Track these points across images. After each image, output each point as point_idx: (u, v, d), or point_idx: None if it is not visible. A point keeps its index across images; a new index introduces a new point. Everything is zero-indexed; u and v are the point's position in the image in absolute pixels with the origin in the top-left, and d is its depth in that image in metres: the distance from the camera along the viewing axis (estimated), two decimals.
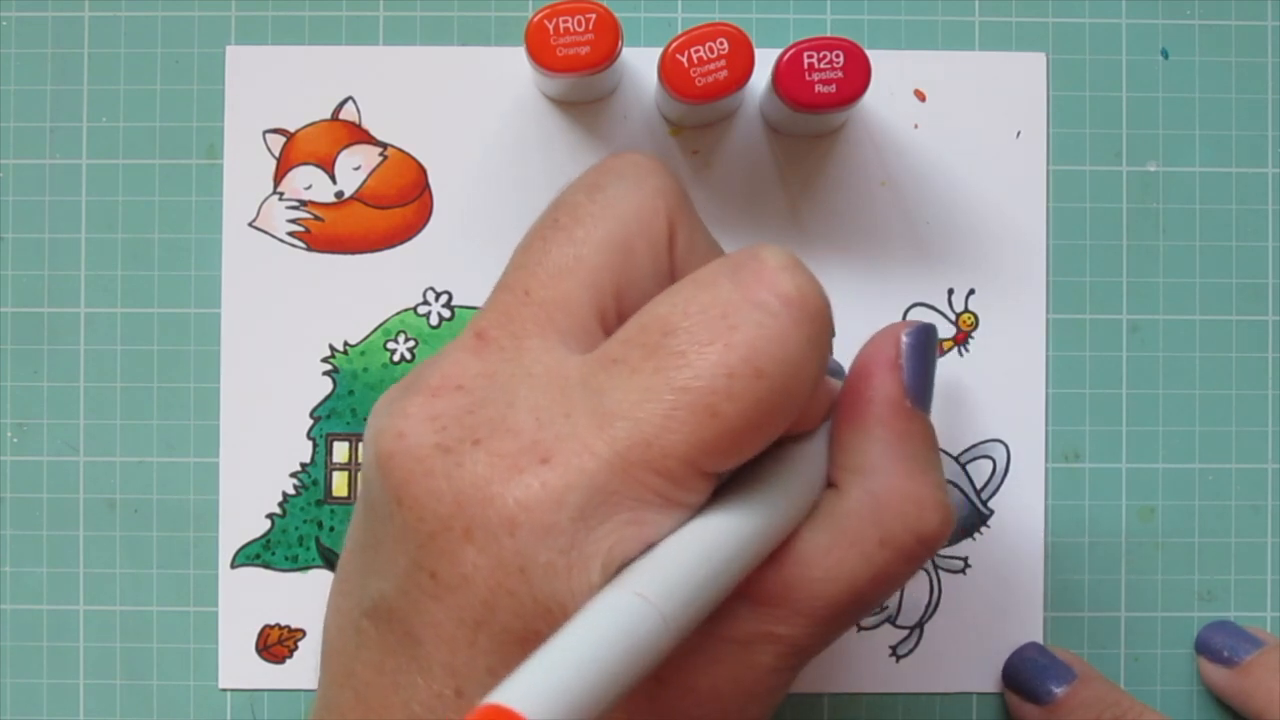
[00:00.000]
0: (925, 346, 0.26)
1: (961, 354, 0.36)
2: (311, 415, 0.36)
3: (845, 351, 0.36)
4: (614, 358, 0.22)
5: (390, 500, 0.22)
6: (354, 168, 0.36)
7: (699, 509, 0.23)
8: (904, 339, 0.26)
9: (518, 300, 0.24)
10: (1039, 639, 0.36)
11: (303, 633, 0.36)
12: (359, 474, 0.25)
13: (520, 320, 0.23)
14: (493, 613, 0.21)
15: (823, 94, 0.32)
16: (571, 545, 0.21)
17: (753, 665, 0.24)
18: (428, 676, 0.22)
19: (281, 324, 0.36)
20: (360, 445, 0.36)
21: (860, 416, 0.25)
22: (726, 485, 0.23)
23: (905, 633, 0.36)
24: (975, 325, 0.36)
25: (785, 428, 0.23)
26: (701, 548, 0.22)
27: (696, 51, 0.32)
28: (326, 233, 0.36)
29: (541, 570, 0.21)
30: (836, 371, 0.27)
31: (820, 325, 0.22)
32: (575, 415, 0.22)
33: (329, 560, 0.36)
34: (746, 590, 0.23)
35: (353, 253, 0.36)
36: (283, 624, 0.36)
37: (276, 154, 0.36)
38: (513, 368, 0.23)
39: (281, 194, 0.36)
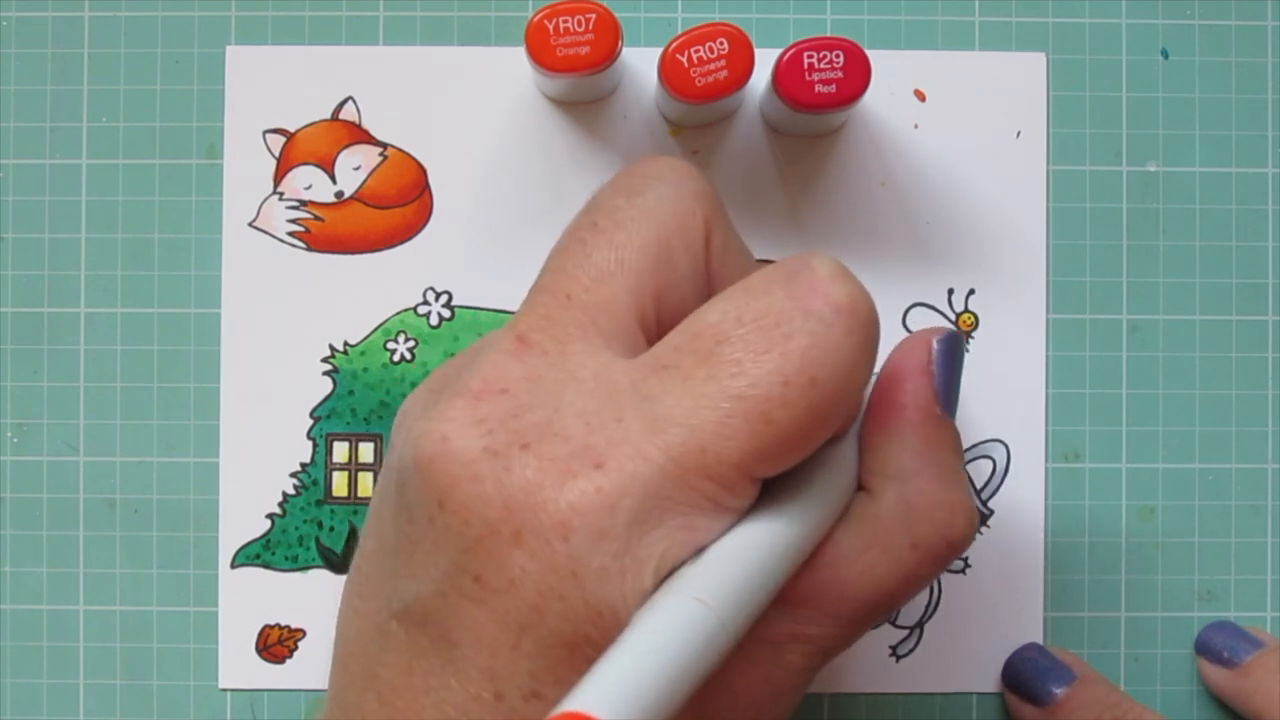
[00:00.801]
0: (955, 354, 0.26)
1: None
2: (311, 415, 0.36)
3: None
4: (665, 364, 0.22)
5: (431, 503, 0.22)
6: (354, 168, 0.36)
7: (745, 513, 0.23)
8: (935, 345, 0.26)
9: (559, 304, 0.24)
10: (1039, 639, 0.36)
11: (303, 633, 0.36)
12: (384, 475, 0.25)
13: (562, 324, 0.23)
14: (541, 617, 0.21)
15: (823, 94, 0.32)
16: (625, 550, 0.21)
17: (783, 665, 0.24)
18: (463, 679, 0.22)
19: (281, 324, 0.36)
20: (360, 445, 0.36)
21: (893, 422, 0.25)
22: (766, 486, 0.24)
23: (905, 633, 0.36)
24: (975, 325, 0.36)
25: (833, 432, 0.23)
26: (752, 552, 0.22)
27: (696, 51, 0.32)
28: (326, 233, 0.36)
29: (595, 575, 0.21)
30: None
31: (870, 333, 0.23)
32: (627, 420, 0.22)
33: (329, 560, 0.36)
34: (780, 592, 0.23)
35: (353, 253, 0.36)
36: (283, 624, 0.36)
37: (276, 154, 0.36)
38: (557, 372, 0.23)
39: (281, 194, 0.36)
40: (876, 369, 0.26)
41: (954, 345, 0.26)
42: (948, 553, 0.25)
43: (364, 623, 0.24)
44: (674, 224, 0.24)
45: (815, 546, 0.24)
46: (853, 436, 0.26)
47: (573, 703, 0.18)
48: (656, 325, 0.24)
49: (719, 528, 0.22)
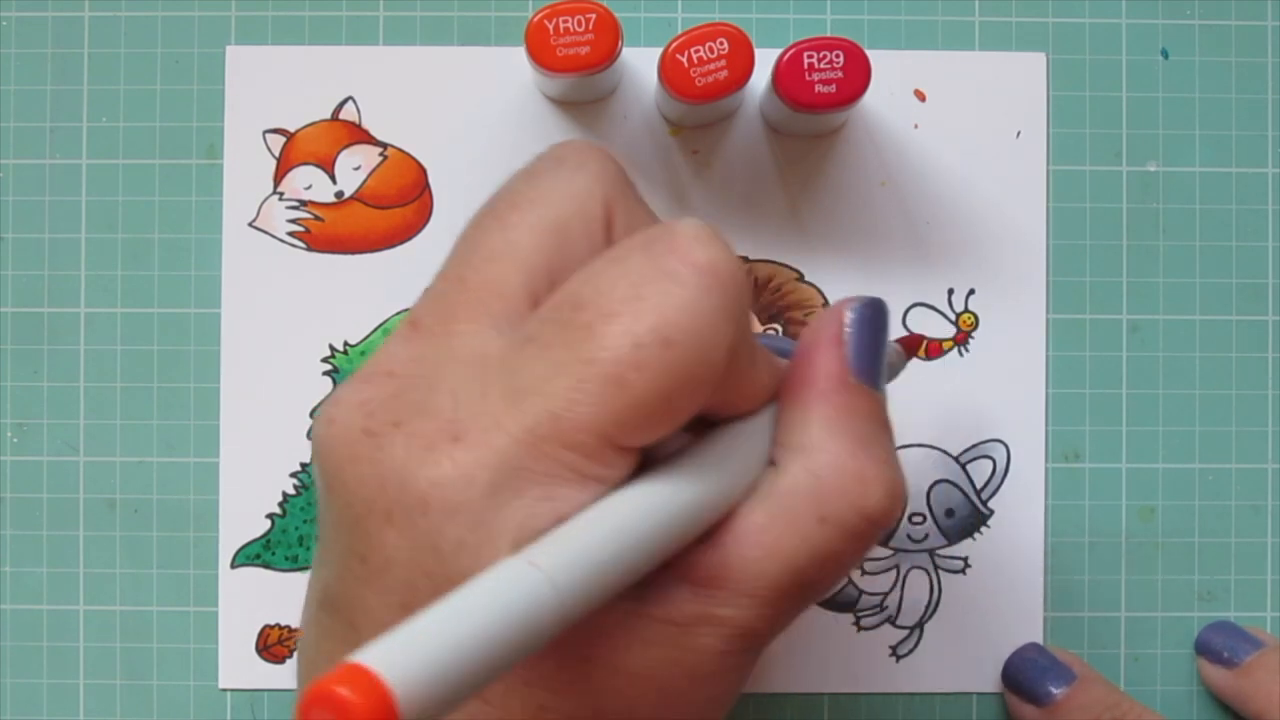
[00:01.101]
0: (872, 321, 0.25)
1: (961, 354, 0.36)
2: (311, 415, 0.36)
3: None
4: (529, 336, 0.22)
5: (324, 486, 0.23)
6: (354, 168, 0.36)
7: (620, 484, 0.22)
8: (848, 314, 0.25)
9: (452, 286, 0.24)
10: (1039, 639, 0.36)
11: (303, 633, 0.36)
12: None
13: (452, 306, 0.23)
14: (415, 594, 0.21)
15: (823, 94, 0.32)
16: (480, 522, 0.21)
17: (694, 648, 0.23)
18: None
19: (281, 324, 0.36)
20: None
21: (801, 393, 0.25)
22: (665, 462, 0.23)
23: (905, 633, 0.36)
24: (975, 325, 0.36)
25: (703, 399, 0.22)
26: (610, 519, 0.21)
27: (696, 51, 0.32)
28: (326, 233, 0.36)
29: (453, 548, 0.21)
30: (786, 352, 0.27)
31: (733, 293, 0.22)
32: (490, 394, 0.22)
33: None
34: (684, 572, 0.23)
35: (353, 253, 0.36)
36: (283, 624, 0.36)
37: (276, 154, 0.36)
38: (440, 353, 0.23)
39: (281, 194, 0.36)
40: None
41: (870, 312, 0.25)
42: (865, 527, 0.24)
43: (307, 615, 0.25)
44: (570, 205, 0.24)
45: (712, 523, 0.23)
46: (768, 414, 0.25)
47: (358, 655, 0.17)
48: None
49: (584, 498, 0.22)
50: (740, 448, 0.24)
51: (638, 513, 0.22)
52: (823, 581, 0.24)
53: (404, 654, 0.17)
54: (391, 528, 0.21)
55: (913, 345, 0.32)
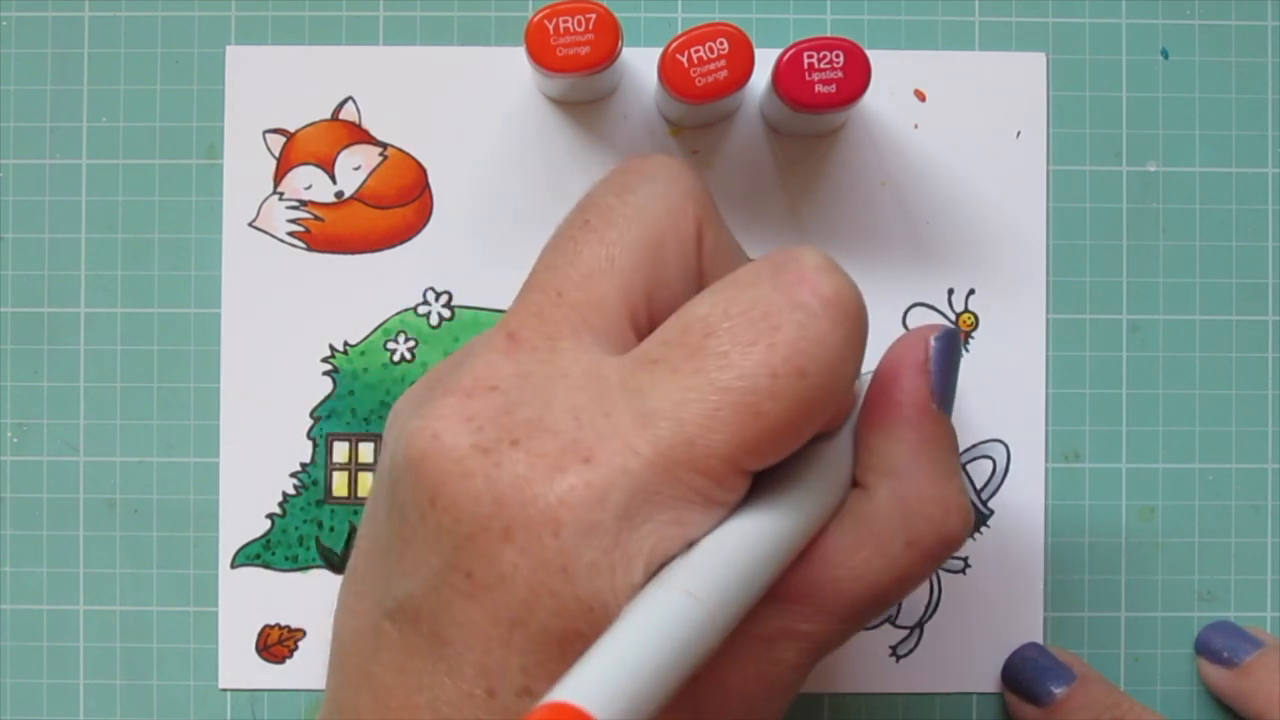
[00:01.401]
0: (952, 351, 0.26)
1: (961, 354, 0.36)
2: (311, 415, 0.36)
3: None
4: (654, 358, 0.22)
5: (423, 501, 0.22)
6: (354, 168, 0.36)
7: (736, 507, 0.23)
8: (933, 342, 0.26)
9: (550, 301, 0.24)
10: (1039, 639, 0.36)
11: (303, 633, 0.36)
12: (378, 474, 0.25)
13: (553, 321, 0.23)
14: (531, 612, 0.21)
15: (823, 94, 0.32)
16: (615, 544, 0.21)
17: (776, 661, 0.24)
18: (456, 677, 0.22)
19: (281, 324, 0.36)
20: (360, 445, 0.36)
21: (888, 418, 0.25)
22: (758, 482, 0.24)
23: (905, 633, 0.36)
24: (975, 325, 0.36)
25: (823, 424, 0.23)
26: (742, 545, 0.22)
27: (696, 51, 0.32)
28: (326, 233, 0.36)
29: (585, 569, 0.21)
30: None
31: (858, 324, 0.23)
32: (616, 415, 0.22)
33: (329, 560, 0.36)
34: (773, 588, 0.23)
35: (353, 253, 0.36)
36: (283, 624, 0.36)
37: (276, 154, 0.36)
38: (548, 368, 0.23)
39: (281, 194, 0.36)
40: (871, 365, 0.26)
41: (951, 342, 0.26)
42: (942, 551, 0.25)
43: (358, 622, 0.24)
44: (666, 221, 0.24)
45: (808, 542, 0.24)
46: (848, 433, 0.26)
47: (560, 693, 0.18)
48: (648, 322, 0.24)
49: (709, 522, 0.22)
50: (829, 467, 0.25)
51: (764, 537, 0.22)
52: (896, 599, 0.25)
53: (604, 689, 0.18)
54: (510, 545, 0.21)
55: None
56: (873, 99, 0.36)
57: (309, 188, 0.36)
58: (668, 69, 0.32)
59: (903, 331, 0.36)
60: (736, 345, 0.22)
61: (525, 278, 0.25)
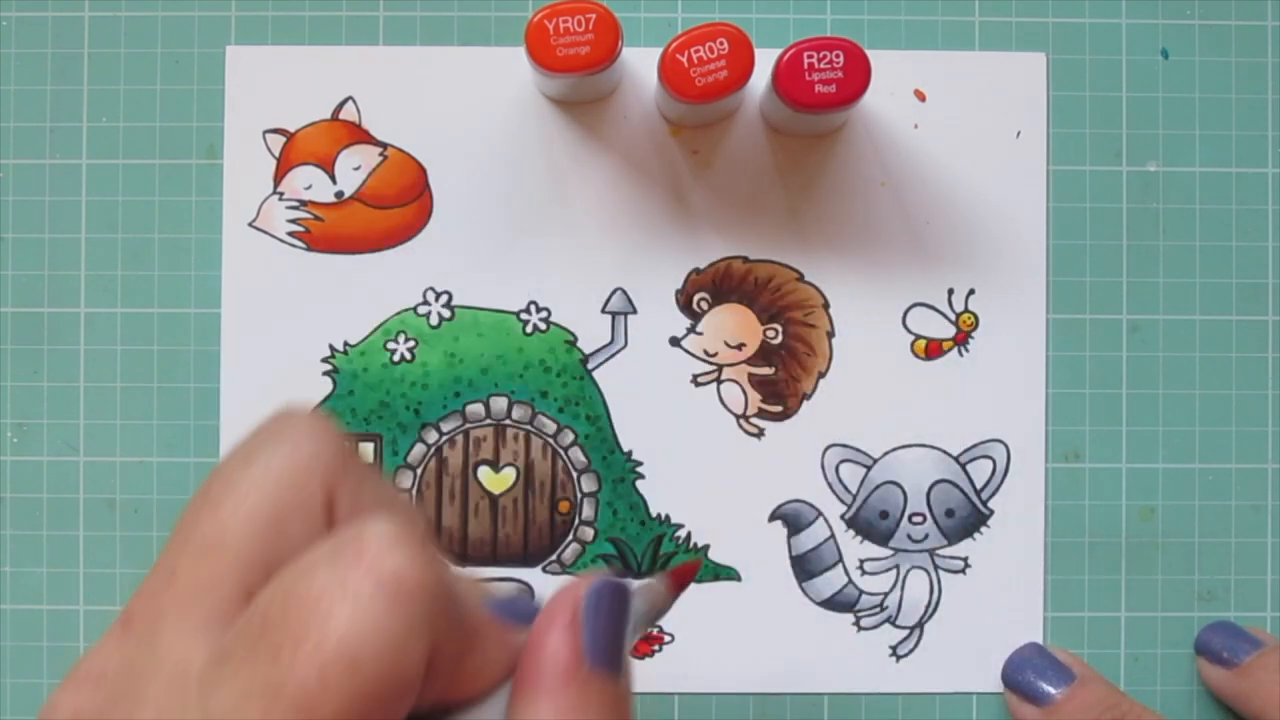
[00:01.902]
0: (613, 599, 0.24)
1: (961, 354, 0.36)
2: None
3: (849, 359, 0.36)
4: (226, 653, 0.22)
5: None
6: (354, 168, 0.36)
7: None
8: (583, 596, 0.24)
9: (163, 582, 0.23)
10: (1039, 639, 0.36)
11: None
12: None
13: (162, 604, 0.23)
14: None
15: (823, 94, 0.32)
16: None
17: None
18: None
19: (281, 324, 0.36)
20: (360, 445, 0.36)
21: (530, 686, 0.24)
22: None
23: (905, 633, 0.36)
24: (975, 325, 0.36)
25: (403, 711, 0.22)
26: None
27: (696, 51, 0.32)
28: (326, 233, 0.36)
29: None
30: (528, 614, 0.26)
31: (421, 604, 0.21)
32: (189, 716, 0.21)
33: None
34: None
35: (353, 253, 0.36)
36: None
37: (276, 154, 0.36)
38: (149, 658, 0.22)
39: (281, 194, 0.36)
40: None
41: (610, 591, 0.24)
42: None
43: None
44: (287, 491, 0.23)
45: None
46: (500, 696, 0.24)
47: None
48: None
49: None
50: None
51: None
52: None
53: None
54: None
55: (686, 575, 0.29)
56: (873, 99, 0.36)
57: (309, 188, 0.36)
58: (668, 69, 0.32)
59: (904, 334, 0.36)
60: (289, 639, 0.20)
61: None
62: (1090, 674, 0.35)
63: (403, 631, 0.21)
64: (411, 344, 0.36)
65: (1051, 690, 0.34)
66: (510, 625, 0.25)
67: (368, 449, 0.36)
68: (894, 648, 0.36)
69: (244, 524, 0.23)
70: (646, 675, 0.36)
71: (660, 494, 0.36)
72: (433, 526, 0.36)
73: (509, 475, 0.36)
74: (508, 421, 0.36)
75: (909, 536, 0.36)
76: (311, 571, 0.21)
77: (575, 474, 0.36)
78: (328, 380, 0.36)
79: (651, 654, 0.36)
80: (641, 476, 0.36)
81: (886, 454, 0.36)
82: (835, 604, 0.36)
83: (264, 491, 0.23)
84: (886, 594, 0.36)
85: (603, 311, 0.36)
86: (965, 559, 0.36)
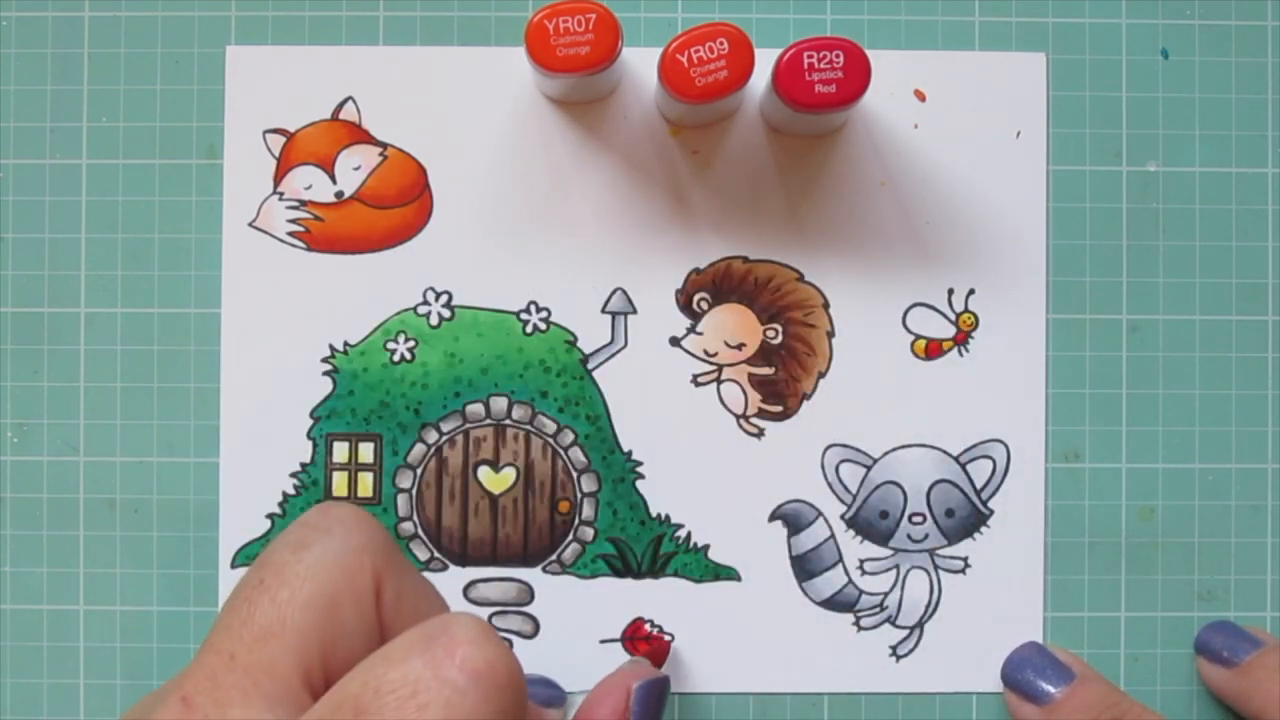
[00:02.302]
0: (658, 698, 0.27)
1: (961, 354, 0.36)
2: (311, 415, 0.36)
3: (849, 359, 0.36)
4: None
5: None
6: (354, 168, 0.36)
7: None
8: (634, 689, 0.26)
9: (223, 664, 0.24)
10: (1039, 639, 0.36)
11: None
12: None
13: (224, 686, 0.24)
14: None
15: (823, 94, 0.32)
16: None
17: None
18: None
19: (281, 324, 0.36)
20: (360, 445, 0.36)
21: None
22: None
23: (905, 633, 0.36)
24: (975, 325, 0.36)
25: None
26: None
27: (696, 51, 0.32)
28: (326, 233, 0.36)
29: None
30: (556, 700, 0.27)
31: (510, 697, 0.23)
32: None
33: None
34: None
35: (353, 253, 0.36)
36: None
37: (276, 154, 0.36)
38: None
39: (281, 194, 0.36)
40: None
41: (656, 690, 0.26)
42: None
43: None
44: (340, 579, 0.25)
45: None
46: None
47: None
48: (325, 682, 0.24)
49: None
50: None
51: None
52: None
53: None
54: None
55: (659, 658, 0.34)
56: (873, 99, 0.36)
57: (309, 188, 0.36)
58: (668, 69, 0.32)
59: (904, 334, 0.36)
60: None
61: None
62: (1090, 673, 0.35)
63: (494, 719, 0.22)
64: (411, 344, 0.36)
65: (1051, 689, 0.34)
66: (540, 705, 0.26)
67: (368, 449, 0.36)
68: (894, 648, 0.36)
69: (301, 611, 0.24)
70: None
71: (660, 494, 0.36)
72: (433, 527, 0.36)
73: (509, 475, 0.36)
74: (508, 421, 0.36)
75: (909, 536, 0.36)
76: (404, 659, 0.22)
77: (575, 474, 0.36)
78: (328, 380, 0.36)
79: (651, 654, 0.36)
80: (641, 476, 0.36)
81: (886, 454, 0.36)
82: (835, 604, 0.36)
83: (319, 580, 0.24)
84: (886, 594, 0.36)
85: (603, 311, 0.36)
86: (965, 559, 0.36)
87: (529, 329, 0.36)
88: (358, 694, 0.22)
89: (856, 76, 0.32)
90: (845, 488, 0.36)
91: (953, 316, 0.36)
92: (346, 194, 0.36)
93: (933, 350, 0.36)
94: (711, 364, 0.36)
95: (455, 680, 0.22)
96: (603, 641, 0.36)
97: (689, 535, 0.36)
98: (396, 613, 0.26)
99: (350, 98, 0.36)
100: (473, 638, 0.22)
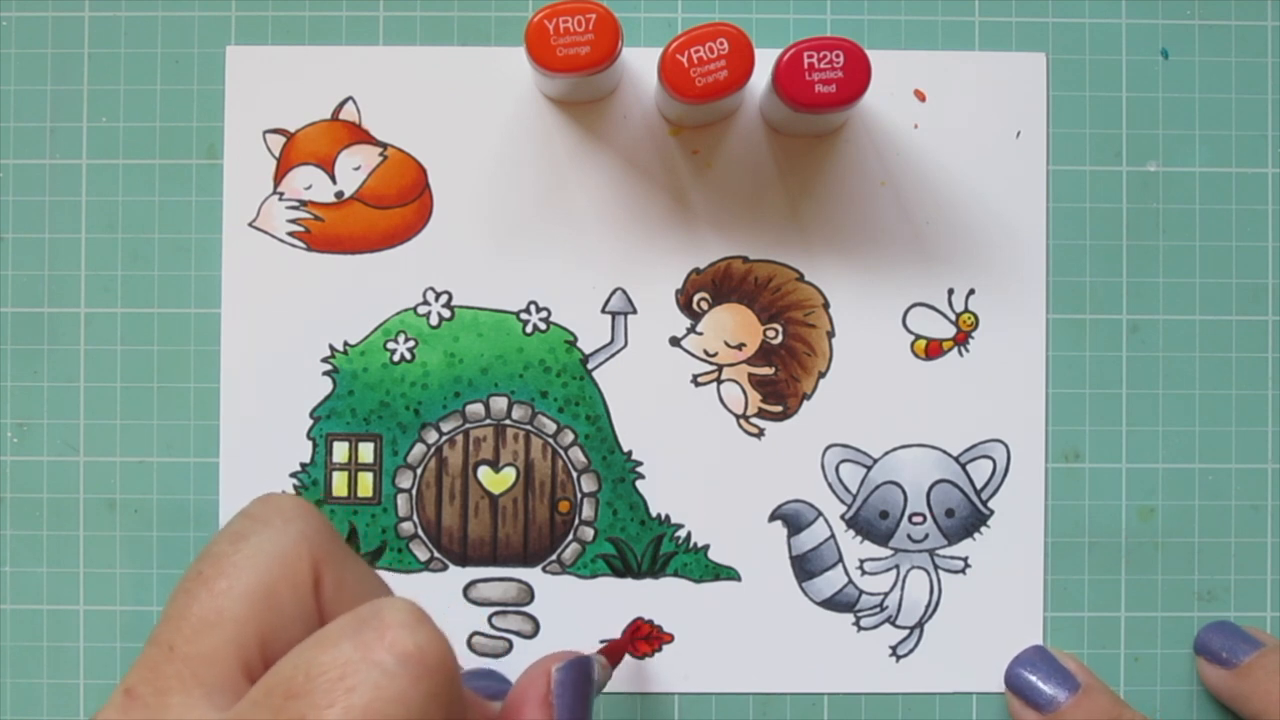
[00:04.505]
0: (580, 681, 0.27)
1: (961, 354, 0.36)
2: (311, 415, 0.36)
3: (849, 359, 0.36)
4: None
5: None
6: (354, 168, 0.36)
7: None
8: (555, 673, 0.26)
9: (163, 655, 0.24)
10: (1039, 639, 0.36)
11: None
12: None
13: (165, 676, 0.24)
14: None
15: (823, 94, 0.32)
16: None
17: None
18: None
19: (281, 324, 0.36)
20: (359, 445, 0.36)
21: None
22: None
23: (905, 633, 0.36)
24: (975, 325, 0.36)
25: None
26: None
27: (696, 51, 0.32)
28: (326, 233, 0.36)
29: None
30: (501, 693, 0.27)
31: (440, 679, 0.23)
32: None
33: None
34: None
35: (353, 253, 0.36)
36: None
37: (276, 154, 0.36)
38: None
39: (281, 194, 0.36)
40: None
41: (578, 673, 0.27)
42: None
43: None
44: (278, 569, 0.25)
45: None
46: None
47: None
48: (265, 670, 0.25)
49: None
50: None
51: None
52: None
53: None
54: None
55: (618, 651, 0.34)
56: (873, 99, 0.36)
57: (309, 188, 0.36)
58: (668, 69, 0.32)
59: (904, 334, 0.36)
60: (314, 709, 0.22)
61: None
62: (1095, 683, 0.35)
63: (426, 702, 0.22)
64: (411, 344, 0.36)
65: (1055, 698, 0.34)
66: (485, 698, 0.26)
67: (368, 449, 0.36)
68: (894, 648, 0.36)
69: (239, 600, 0.24)
70: (647, 675, 0.36)
71: (660, 494, 0.36)
72: (433, 527, 0.36)
73: (509, 475, 0.36)
74: (508, 421, 0.36)
75: (909, 536, 0.36)
76: (336, 643, 0.23)
77: (575, 474, 0.36)
78: (328, 380, 0.36)
79: (652, 654, 0.36)
80: (641, 476, 0.36)
81: (886, 454, 0.36)
82: (835, 604, 0.36)
83: (256, 570, 0.25)
84: (886, 594, 0.36)
85: (603, 311, 0.36)
86: (965, 559, 0.36)
87: (529, 329, 0.36)
88: (289, 677, 0.22)
89: (856, 76, 0.32)
90: (845, 488, 0.36)
91: (953, 316, 0.36)
92: (346, 194, 0.36)
93: (933, 350, 0.36)
94: (711, 364, 0.36)
95: (384, 662, 0.22)
96: (603, 641, 0.36)
97: (689, 535, 0.36)
98: (337, 602, 0.26)
99: (350, 98, 0.36)
100: (403, 621, 0.23)
